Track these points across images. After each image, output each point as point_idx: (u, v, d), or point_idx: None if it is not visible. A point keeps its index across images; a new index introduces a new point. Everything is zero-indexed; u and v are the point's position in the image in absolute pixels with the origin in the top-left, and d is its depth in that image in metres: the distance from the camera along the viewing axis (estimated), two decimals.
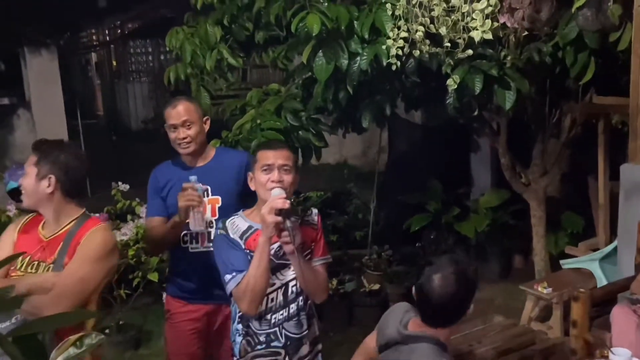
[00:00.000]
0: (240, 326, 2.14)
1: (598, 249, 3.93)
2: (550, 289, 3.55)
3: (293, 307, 2.12)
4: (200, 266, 2.53)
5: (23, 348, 1.25)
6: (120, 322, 4.01)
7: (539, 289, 3.57)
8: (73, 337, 1.20)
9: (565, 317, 3.34)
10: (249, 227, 2.09)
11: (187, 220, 2.43)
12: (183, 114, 2.52)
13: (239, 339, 2.14)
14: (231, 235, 2.08)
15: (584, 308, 2.67)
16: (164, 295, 3.80)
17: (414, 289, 1.89)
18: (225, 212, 2.44)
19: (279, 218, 1.94)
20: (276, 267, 2.07)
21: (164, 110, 2.60)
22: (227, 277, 2.02)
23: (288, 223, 1.94)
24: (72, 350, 1.19)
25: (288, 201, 1.97)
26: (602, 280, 3.60)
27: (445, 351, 1.86)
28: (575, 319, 2.68)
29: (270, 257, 2.03)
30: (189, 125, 2.52)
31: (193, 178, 2.42)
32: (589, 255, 3.84)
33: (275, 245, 2.06)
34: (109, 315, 4.01)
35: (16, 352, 1.25)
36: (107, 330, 3.88)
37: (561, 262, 4.03)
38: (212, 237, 2.46)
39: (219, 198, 2.55)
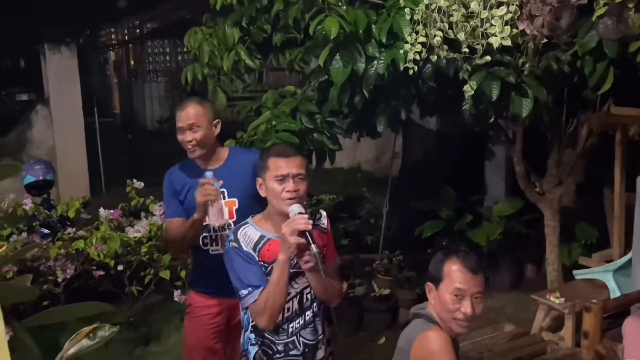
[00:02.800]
0: (253, 335, 2.11)
1: (612, 260, 3.89)
2: (562, 299, 3.52)
3: (309, 314, 2.11)
4: (221, 266, 2.54)
5: (37, 338, 1.27)
6: (131, 319, 4.03)
7: (551, 298, 3.54)
8: (86, 329, 1.21)
9: (577, 328, 3.31)
10: (261, 237, 2.05)
11: (206, 217, 2.42)
12: (190, 117, 2.50)
13: (252, 348, 2.11)
14: (244, 248, 2.03)
15: (597, 319, 2.65)
16: (175, 293, 3.86)
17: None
18: (243, 214, 2.44)
19: (302, 240, 1.90)
20: (291, 276, 2.03)
21: (175, 111, 2.60)
22: (243, 292, 2.00)
23: (314, 248, 1.88)
24: (85, 342, 1.20)
25: (310, 222, 1.92)
26: (615, 292, 3.56)
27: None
28: (587, 330, 2.66)
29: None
30: (195, 129, 2.50)
31: (209, 174, 2.41)
32: (603, 267, 3.80)
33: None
34: (120, 311, 4.04)
35: (30, 341, 1.27)
36: (117, 327, 3.90)
37: (574, 272, 3.99)
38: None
39: (236, 200, 2.54)
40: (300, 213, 1.94)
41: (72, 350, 1.18)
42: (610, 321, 3.27)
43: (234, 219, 2.51)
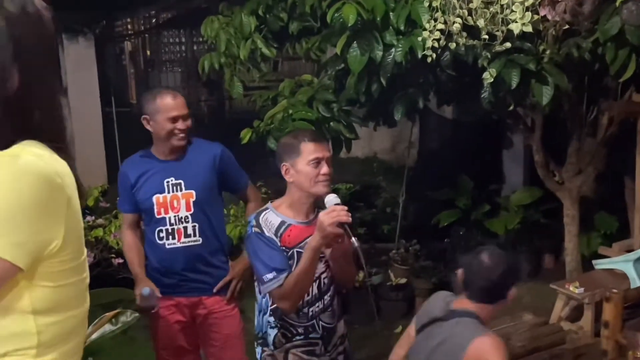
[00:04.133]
0: (272, 319, 2.14)
1: (632, 250, 3.84)
2: (582, 289, 3.49)
3: (327, 298, 2.14)
4: (178, 261, 2.54)
5: None
6: None
7: (571, 288, 3.51)
8: (109, 314, 1.23)
9: (597, 318, 3.28)
10: (282, 222, 2.07)
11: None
12: (183, 106, 2.50)
13: (272, 331, 2.14)
14: (267, 234, 2.04)
15: (617, 309, 2.62)
16: None
17: (460, 267, 2.08)
18: (200, 206, 2.48)
19: (341, 231, 1.90)
20: None
21: (154, 99, 2.51)
22: (268, 276, 1.99)
23: (355, 242, 1.89)
24: (108, 327, 1.22)
25: (350, 214, 1.92)
26: (635, 282, 3.52)
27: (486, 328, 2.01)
28: (607, 320, 2.64)
29: (303, 252, 2.01)
30: (186, 118, 2.51)
31: (146, 291, 2.46)
32: (624, 256, 3.76)
33: (309, 239, 2.03)
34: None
35: None
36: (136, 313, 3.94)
37: (594, 262, 3.95)
38: (187, 232, 2.49)
39: (193, 192, 2.52)
40: (337, 204, 1.94)
41: (95, 335, 1.20)
42: (630, 311, 3.24)
43: (191, 211, 2.50)
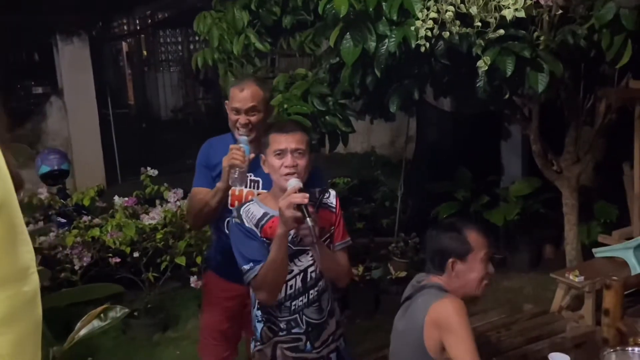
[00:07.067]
0: (259, 312, 2.13)
1: (632, 238, 3.82)
2: (582, 277, 3.47)
3: (313, 292, 2.10)
4: None
5: (47, 319, 1.26)
6: (149, 305, 4.06)
7: (571, 277, 3.49)
8: (97, 310, 1.21)
9: (597, 306, 3.26)
10: (265, 214, 2.05)
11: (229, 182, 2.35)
12: (250, 99, 2.36)
13: (259, 325, 2.14)
14: (246, 224, 2.04)
15: (617, 296, 2.60)
16: (191, 279, 3.87)
17: None
18: None
19: (298, 213, 1.88)
20: (294, 253, 2.04)
21: (230, 87, 2.45)
22: (245, 267, 2.01)
23: (309, 222, 1.87)
24: (97, 323, 1.20)
25: (307, 195, 1.91)
26: (636, 269, 3.50)
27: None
28: (607, 308, 2.61)
29: (288, 245, 2.00)
30: (252, 113, 2.37)
31: (243, 139, 2.33)
32: (623, 244, 3.74)
33: (292, 232, 2.01)
34: (137, 298, 4.06)
35: (42, 323, 1.26)
36: (135, 313, 3.93)
37: (594, 250, 3.94)
38: None
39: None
40: (301, 189, 1.94)
41: (83, 332, 1.18)
42: (631, 299, 3.22)
43: None
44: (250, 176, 2.42)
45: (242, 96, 2.38)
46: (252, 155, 2.33)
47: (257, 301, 2.13)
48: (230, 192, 2.43)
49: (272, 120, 3.39)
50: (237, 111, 2.39)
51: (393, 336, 2.19)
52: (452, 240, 2.07)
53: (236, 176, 2.30)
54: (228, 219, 2.44)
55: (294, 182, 1.96)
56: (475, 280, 2.05)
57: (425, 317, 1.98)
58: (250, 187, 2.44)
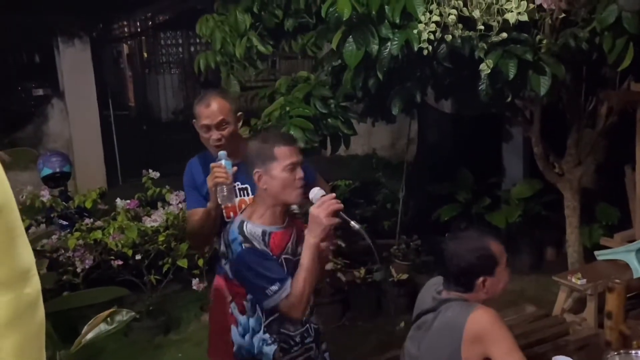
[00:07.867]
0: (267, 335, 2.05)
1: (634, 240, 3.82)
2: (584, 280, 3.46)
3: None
4: None
5: (54, 323, 1.27)
6: (150, 308, 4.06)
7: (573, 279, 3.49)
8: (104, 313, 1.21)
9: (600, 309, 3.26)
10: (264, 232, 1.98)
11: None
12: (218, 113, 2.31)
13: (269, 348, 2.05)
14: (258, 247, 1.96)
15: (620, 299, 2.60)
16: (193, 281, 3.87)
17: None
18: None
19: (339, 220, 1.87)
20: (295, 263, 1.99)
21: (195, 105, 2.41)
22: (274, 288, 1.91)
23: (356, 224, 1.86)
24: (104, 326, 1.20)
25: (340, 201, 1.89)
26: (638, 272, 3.50)
27: None
28: (610, 310, 2.61)
29: (289, 257, 1.99)
30: (223, 127, 2.33)
31: (222, 154, 2.30)
32: (625, 247, 3.74)
33: (289, 243, 2.01)
34: (139, 300, 4.06)
35: (48, 327, 1.26)
36: (137, 315, 3.93)
37: (596, 253, 3.93)
38: None
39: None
40: (323, 196, 1.92)
41: (90, 335, 1.18)
42: (634, 301, 3.22)
43: None
44: (238, 185, 2.38)
45: (209, 112, 2.32)
46: (235, 168, 2.30)
47: (262, 325, 2.04)
48: (223, 205, 2.40)
49: (274, 124, 3.42)
50: (208, 128, 2.34)
51: (410, 341, 2.08)
52: (480, 259, 1.94)
53: (225, 194, 2.27)
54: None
55: (318, 191, 1.93)
56: (500, 289, 1.99)
57: (462, 334, 1.87)
58: (241, 196, 2.41)
